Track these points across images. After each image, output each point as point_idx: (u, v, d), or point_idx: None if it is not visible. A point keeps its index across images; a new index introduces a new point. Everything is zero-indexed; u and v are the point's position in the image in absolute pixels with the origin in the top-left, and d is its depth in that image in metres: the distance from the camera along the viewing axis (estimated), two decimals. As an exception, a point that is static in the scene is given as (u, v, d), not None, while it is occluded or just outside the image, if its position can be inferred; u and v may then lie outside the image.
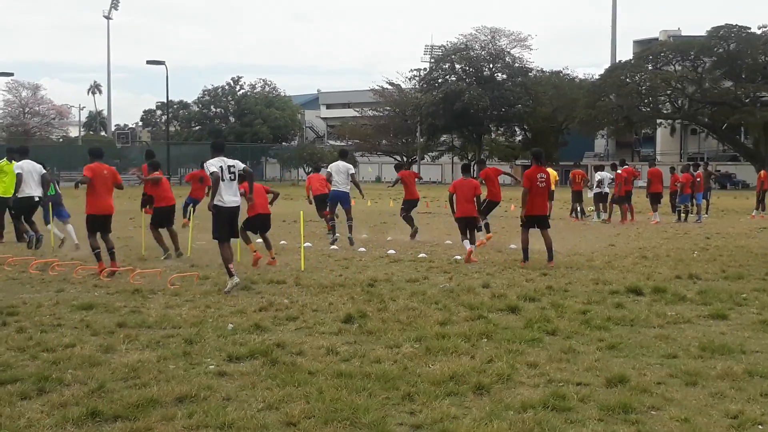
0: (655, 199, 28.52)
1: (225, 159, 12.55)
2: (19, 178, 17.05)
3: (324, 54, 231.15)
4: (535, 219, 15.31)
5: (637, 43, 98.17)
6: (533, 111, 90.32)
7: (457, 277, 13.42)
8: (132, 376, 7.06)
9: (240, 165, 12.75)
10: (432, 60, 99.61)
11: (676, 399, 6.55)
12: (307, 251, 15.93)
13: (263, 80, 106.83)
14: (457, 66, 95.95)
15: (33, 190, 17.29)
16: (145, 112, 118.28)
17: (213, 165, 12.36)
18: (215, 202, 12.31)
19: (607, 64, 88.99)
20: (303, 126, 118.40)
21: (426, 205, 37.88)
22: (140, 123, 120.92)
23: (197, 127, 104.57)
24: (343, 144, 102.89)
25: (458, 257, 15.83)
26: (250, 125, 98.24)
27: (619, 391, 6.72)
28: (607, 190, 28.57)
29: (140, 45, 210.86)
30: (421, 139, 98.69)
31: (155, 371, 7.21)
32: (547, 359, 7.75)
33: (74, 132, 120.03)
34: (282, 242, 18.78)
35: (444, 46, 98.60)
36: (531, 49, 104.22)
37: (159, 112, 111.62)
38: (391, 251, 16.86)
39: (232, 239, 12.85)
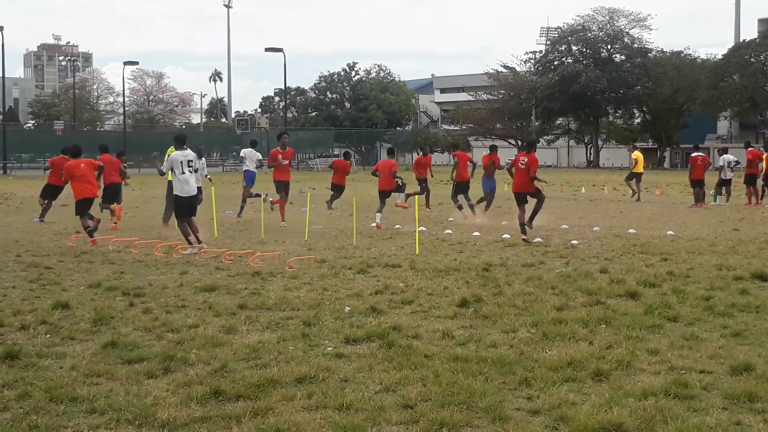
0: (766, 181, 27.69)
1: (188, 153, 14.87)
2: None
3: (438, 38, 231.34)
4: (518, 195, 16.61)
5: (762, 21, 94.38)
6: (653, 93, 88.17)
7: (574, 262, 13.24)
8: (253, 356, 7.23)
9: (198, 163, 15.49)
10: (548, 42, 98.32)
11: (805, 389, 6.31)
12: (422, 235, 15.98)
13: (378, 65, 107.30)
14: (574, 48, 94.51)
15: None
16: (263, 98, 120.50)
17: (171, 161, 14.84)
18: (176, 192, 14.80)
19: (731, 44, 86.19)
20: (417, 111, 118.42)
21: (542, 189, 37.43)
22: (259, 109, 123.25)
23: (314, 113, 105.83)
24: (456, 128, 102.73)
25: (575, 242, 15.61)
26: (365, 110, 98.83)
27: (745, 379, 6.52)
28: (730, 174, 27.77)
29: (260, 33, 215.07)
30: (537, 123, 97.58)
31: (275, 352, 7.35)
32: (669, 346, 7.58)
33: (196, 119, 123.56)
34: (396, 226, 18.89)
35: (560, 28, 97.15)
36: (650, 29, 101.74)
37: (277, 99, 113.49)
38: (506, 235, 16.75)
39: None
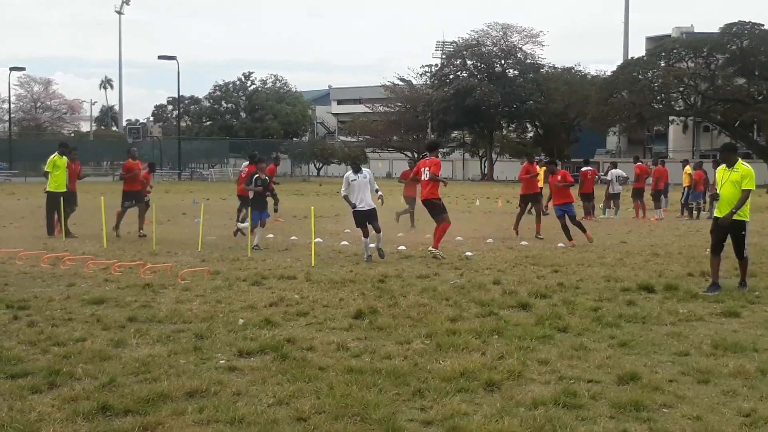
0: (656, 195, 28.58)
1: None
2: None
3: (336, 50, 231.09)
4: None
5: (649, 39, 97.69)
6: (545, 107, 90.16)
7: (468, 273, 13.40)
8: (143, 370, 7.06)
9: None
10: (443, 56, 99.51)
11: (687, 397, 6.52)
12: (318, 247, 15.92)
13: (274, 76, 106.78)
14: (469, 62, 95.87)
15: None
16: (156, 107, 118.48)
17: None
18: None
19: (620, 61, 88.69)
20: (314, 122, 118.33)
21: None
22: (151, 118, 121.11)
23: (208, 123, 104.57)
24: (353, 140, 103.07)
25: (469, 254, 15.80)
26: (260, 121, 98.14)
27: (631, 388, 6.69)
28: (618, 188, 28.58)
29: (153, 41, 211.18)
30: (432, 135, 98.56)
31: (166, 366, 7.20)
32: (558, 356, 7.73)
33: (86, 127, 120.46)
34: (293, 238, 18.79)
35: (456, 42, 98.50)
36: (543, 46, 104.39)
37: (170, 107, 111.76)
38: (402, 247, 16.84)
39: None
